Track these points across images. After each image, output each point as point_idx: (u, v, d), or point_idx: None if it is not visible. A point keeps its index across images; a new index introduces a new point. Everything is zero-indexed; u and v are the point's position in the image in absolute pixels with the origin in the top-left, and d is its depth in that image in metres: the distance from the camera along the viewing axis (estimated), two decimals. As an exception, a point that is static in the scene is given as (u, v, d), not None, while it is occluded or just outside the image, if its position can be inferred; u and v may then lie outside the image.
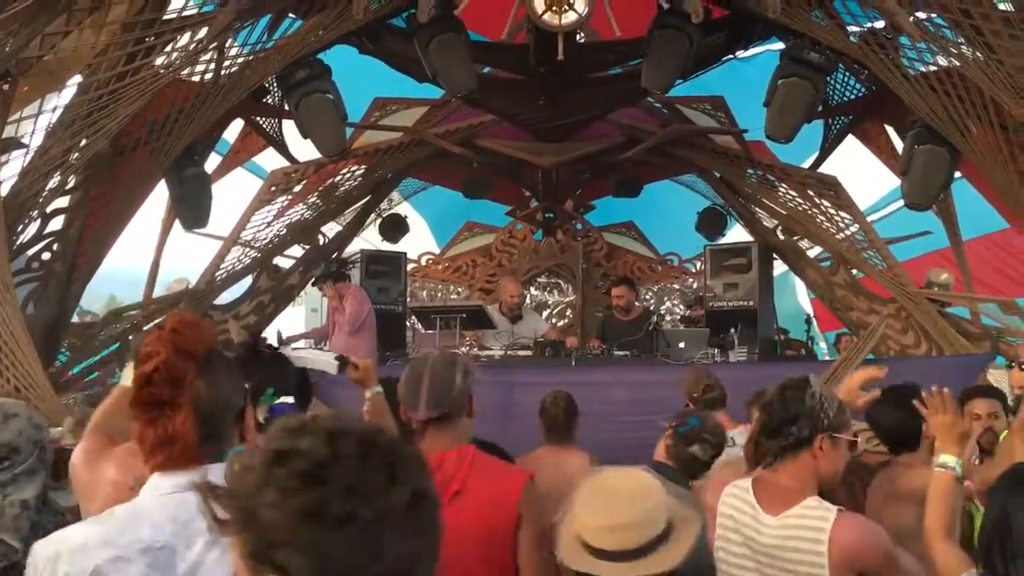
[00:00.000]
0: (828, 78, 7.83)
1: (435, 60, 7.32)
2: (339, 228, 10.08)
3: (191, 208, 7.95)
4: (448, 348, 6.87)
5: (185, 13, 6.61)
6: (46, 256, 6.77)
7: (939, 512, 2.58)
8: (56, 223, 6.81)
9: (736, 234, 10.64)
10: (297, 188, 8.99)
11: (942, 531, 2.53)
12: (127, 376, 3.14)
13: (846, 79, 8.36)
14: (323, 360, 3.14)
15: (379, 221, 10.83)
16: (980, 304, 8.12)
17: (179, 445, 1.69)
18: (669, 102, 9.59)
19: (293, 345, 7.08)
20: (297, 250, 9.38)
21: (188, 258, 9.43)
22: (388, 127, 9.36)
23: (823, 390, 2.62)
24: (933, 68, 6.96)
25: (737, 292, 8.76)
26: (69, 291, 6.92)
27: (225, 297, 8.72)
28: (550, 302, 10.96)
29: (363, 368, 3.09)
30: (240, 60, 7.18)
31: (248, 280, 8.85)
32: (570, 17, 6.60)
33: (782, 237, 9.17)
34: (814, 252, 9.17)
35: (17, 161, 6.13)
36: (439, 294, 11.05)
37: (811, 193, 8.62)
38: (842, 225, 8.43)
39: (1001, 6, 6.33)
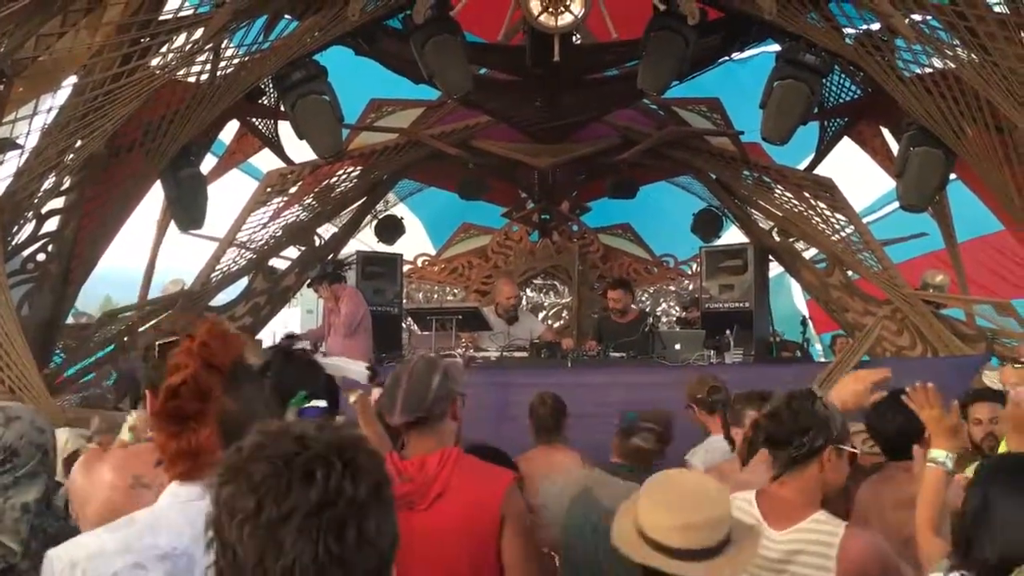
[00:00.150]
0: (824, 80, 7.84)
1: (431, 61, 7.32)
2: (335, 229, 10.07)
3: (187, 209, 7.93)
4: (442, 351, 6.90)
5: (181, 14, 6.60)
6: (41, 257, 6.75)
7: (928, 506, 2.58)
8: (51, 224, 6.79)
9: (732, 236, 10.64)
10: (293, 189, 8.99)
11: (930, 525, 2.54)
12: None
13: (842, 81, 8.37)
14: (354, 369, 3.15)
15: (375, 222, 10.82)
16: (975, 306, 8.13)
17: (203, 458, 1.68)
18: (665, 104, 9.59)
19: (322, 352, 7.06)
20: (293, 251, 9.38)
21: (184, 259, 9.42)
22: (384, 128, 9.35)
23: (831, 401, 2.63)
24: (928, 70, 6.97)
25: (733, 294, 8.77)
26: (64, 292, 6.90)
27: (221, 299, 8.71)
28: (546, 304, 10.97)
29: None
30: (236, 61, 7.16)
31: (244, 282, 8.84)
32: (566, 19, 6.60)
33: (778, 239, 9.17)
34: (810, 254, 9.18)
35: (12, 162, 6.12)
36: (435, 296, 11.05)
37: (807, 195, 8.63)
38: (838, 227, 8.45)
39: (996, 8, 6.34)
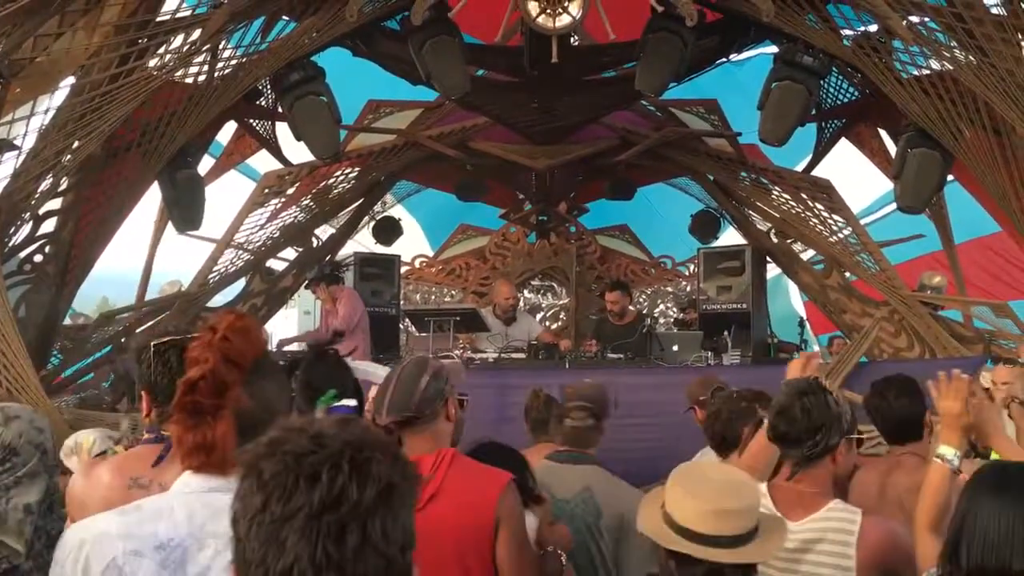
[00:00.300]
0: (822, 81, 7.84)
1: (429, 62, 7.31)
2: (332, 231, 10.07)
3: (184, 210, 7.92)
4: (440, 352, 6.90)
5: (178, 15, 6.59)
6: (38, 258, 6.75)
7: (930, 502, 2.53)
8: (48, 225, 6.79)
9: (729, 237, 10.65)
10: (290, 190, 8.97)
11: (928, 522, 2.50)
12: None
13: (839, 83, 8.38)
14: (381, 374, 3.15)
15: (372, 224, 10.82)
16: (973, 307, 8.15)
17: (217, 453, 1.68)
18: (663, 105, 9.60)
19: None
20: (290, 252, 9.37)
21: (181, 261, 9.41)
22: (382, 130, 9.35)
23: (839, 393, 2.63)
24: (926, 72, 6.97)
25: (730, 295, 8.78)
26: (61, 293, 6.90)
27: (218, 300, 8.70)
28: (544, 305, 10.98)
29: None
30: (233, 62, 7.15)
31: (241, 283, 8.83)
32: (564, 20, 6.59)
33: (775, 240, 9.18)
34: (807, 255, 9.18)
35: (9, 163, 6.11)
36: (432, 297, 11.05)
37: (804, 196, 8.63)
38: (835, 228, 8.45)
39: (994, 10, 6.35)
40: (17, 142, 6.11)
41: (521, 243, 10.98)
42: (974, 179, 7.36)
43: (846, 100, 8.52)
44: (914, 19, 6.67)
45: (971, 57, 6.38)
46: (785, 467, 2.61)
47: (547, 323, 10.56)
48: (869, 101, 8.23)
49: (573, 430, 3.70)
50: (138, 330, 7.65)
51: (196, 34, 6.51)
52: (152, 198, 7.92)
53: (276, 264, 9.25)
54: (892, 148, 8.06)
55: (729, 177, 9.25)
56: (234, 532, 1.21)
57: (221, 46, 7.05)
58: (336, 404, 2.43)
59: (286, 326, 11.68)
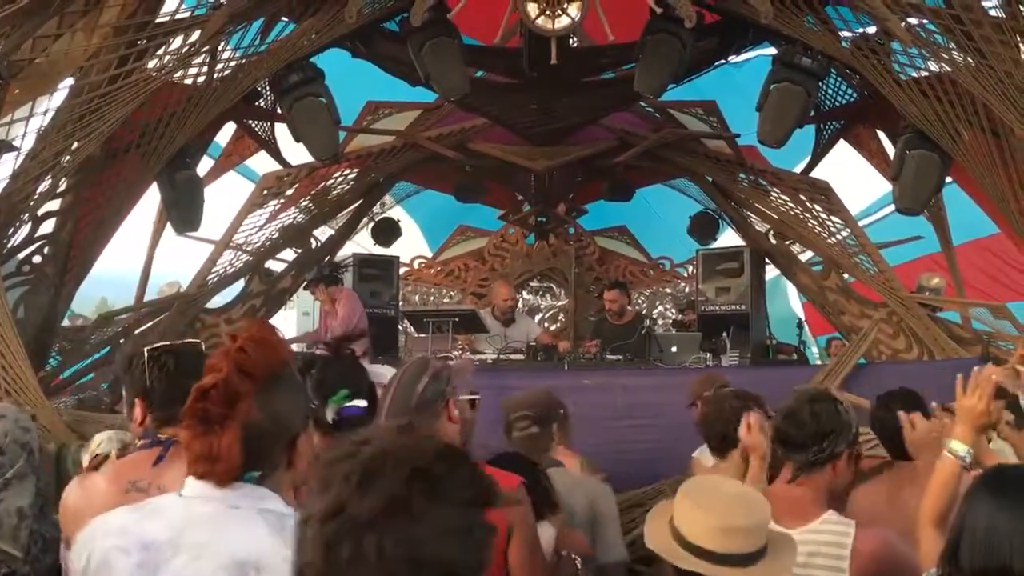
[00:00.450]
0: (820, 83, 7.84)
1: (428, 64, 7.32)
2: (331, 232, 10.06)
3: (183, 211, 7.91)
4: (439, 353, 6.89)
5: (177, 16, 6.60)
6: (37, 259, 6.74)
7: (937, 497, 2.50)
8: (47, 226, 6.78)
9: (728, 238, 10.65)
10: (289, 192, 8.97)
11: (934, 516, 2.48)
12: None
13: (838, 84, 8.38)
14: (388, 375, 3.14)
15: (371, 225, 10.81)
16: (971, 308, 8.15)
17: (222, 464, 1.67)
18: (661, 106, 9.60)
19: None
20: (289, 254, 9.36)
21: (180, 262, 9.40)
22: (381, 131, 9.35)
23: (848, 403, 2.62)
24: (924, 73, 6.97)
25: (729, 296, 8.78)
26: (60, 294, 6.89)
27: (217, 301, 8.70)
28: (542, 306, 10.98)
29: None
30: (232, 63, 7.15)
31: (240, 284, 8.83)
32: (563, 21, 6.59)
33: (774, 241, 9.18)
34: (806, 256, 9.18)
35: (8, 164, 6.11)
36: (431, 298, 11.05)
37: (803, 198, 8.63)
38: (834, 229, 8.45)
39: (992, 12, 6.35)
40: (16, 143, 6.11)
41: (520, 244, 10.99)
42: (972, 181, 7.36)
43: (845, 102, 8.52)
44: (913, 21, 6.68)
45: (970, 59, 6.38)
46: (786, 470, 2.61)
47: (546, 324, 10.56)
48: (868, 103, 8.24)
49: (519, 440, 3.70)
50: (137, 331, 7.66)
51: (195, 35, 6.51)
52: (151, 199, 7.91)
53: (275, 265, 9.24)
54: (891, 150, 8.06)
55: (728, 178, 9.25)
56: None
57: (220, 47, 7.05)
58: (347, 404, 2.43)
59: (285, 327, 11.68)
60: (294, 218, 9.18)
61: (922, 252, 9.25)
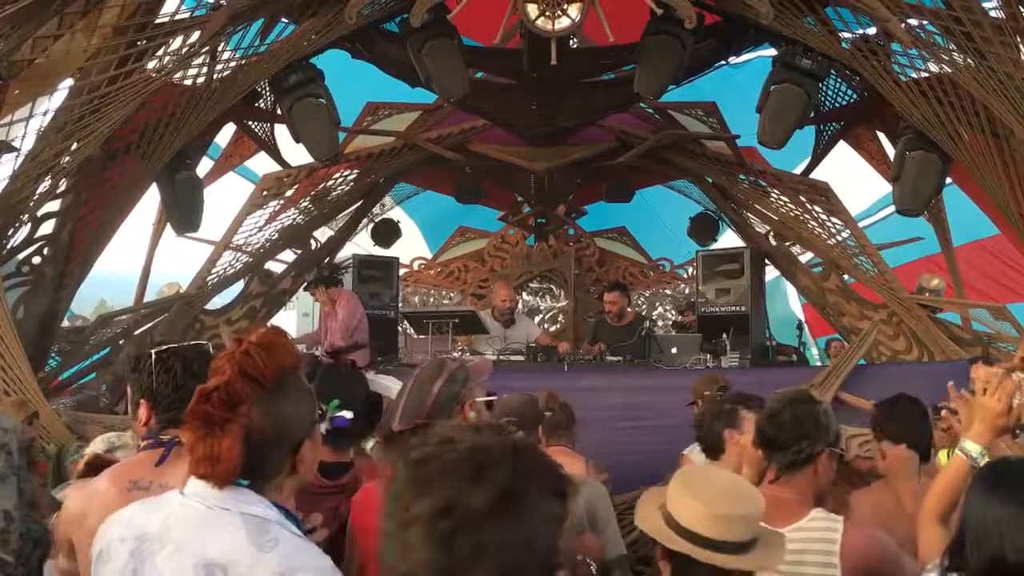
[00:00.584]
0: (820, 84, 7.84)
1: (428, 65, 7.32)
2: (331, 233, 10.06)
3: (183, 212, 7.92)
4: (438, 354, 6.88)
5: (177, 17, 6.59)
6: (37, 260, 6.73)
7: (943, 496, 2.47)
8: (47, 227, 6.77)
9: (728, 239, 10.66)
10: (289, 192, 8.98)
11: (938, 509, 2.46)
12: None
13: (838, 85, 8.38)
14: (395, 388, 3.14)
15: (371, 226, 10.82)
16: (971, 310, 8.15)
17: (221, 467, 1.67)
18: (662, 107, 9.60)
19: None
20: (289, 255, 9.37)
21: (179, 262, 9.40)
22: (380, 132, 9.35)
23: (828, 405, 2.65)
24: (924, 74, 6.97)
25: (729, 297, 8.78)
26: (60, 295, 6.88)
27: (217, 302, 8.70)
28: (542, 307, 10.98)
29: None
30: (232, 64, 7.15)
31: (240, 285, 8.83)
32: (563, 23, 6.59)
33: (774, 243, 9.18)
34: (806, 258, 9.19)
35: (8, 164, 6.10)
36: (431, 299, 11.05)
37: (803, 199, 8.64)
38: (834, 231, 8.45)
39: (992, 13, 6.35)
40: (16, 144, 6.10)
41: (520, 245, 10.99)
42: (973, 182, 7.36)
43: (845, 103, 8.52)
44: (912, 22, 6.68)
45: (970, 60, 6.38)
46: (770, 471, 2.63)
47: (546, 325, 10.56)
48: (868, 104, 8.23)
49: None
50: (136, 332, 7.65)
51: (195, 36, 6.50)
52: (151, 200, 7.92)
53: (275, 266, 9.24)
54: (891, 151, 8.06)
55: (728, 180, 9.25)
56: None
57: (220, 48, 7.04)
58: (335, 415, 2.45)
59: (284, 328, 11.67)
60: (294, 219, 9.18)
61: (922, 253, 9.26)
